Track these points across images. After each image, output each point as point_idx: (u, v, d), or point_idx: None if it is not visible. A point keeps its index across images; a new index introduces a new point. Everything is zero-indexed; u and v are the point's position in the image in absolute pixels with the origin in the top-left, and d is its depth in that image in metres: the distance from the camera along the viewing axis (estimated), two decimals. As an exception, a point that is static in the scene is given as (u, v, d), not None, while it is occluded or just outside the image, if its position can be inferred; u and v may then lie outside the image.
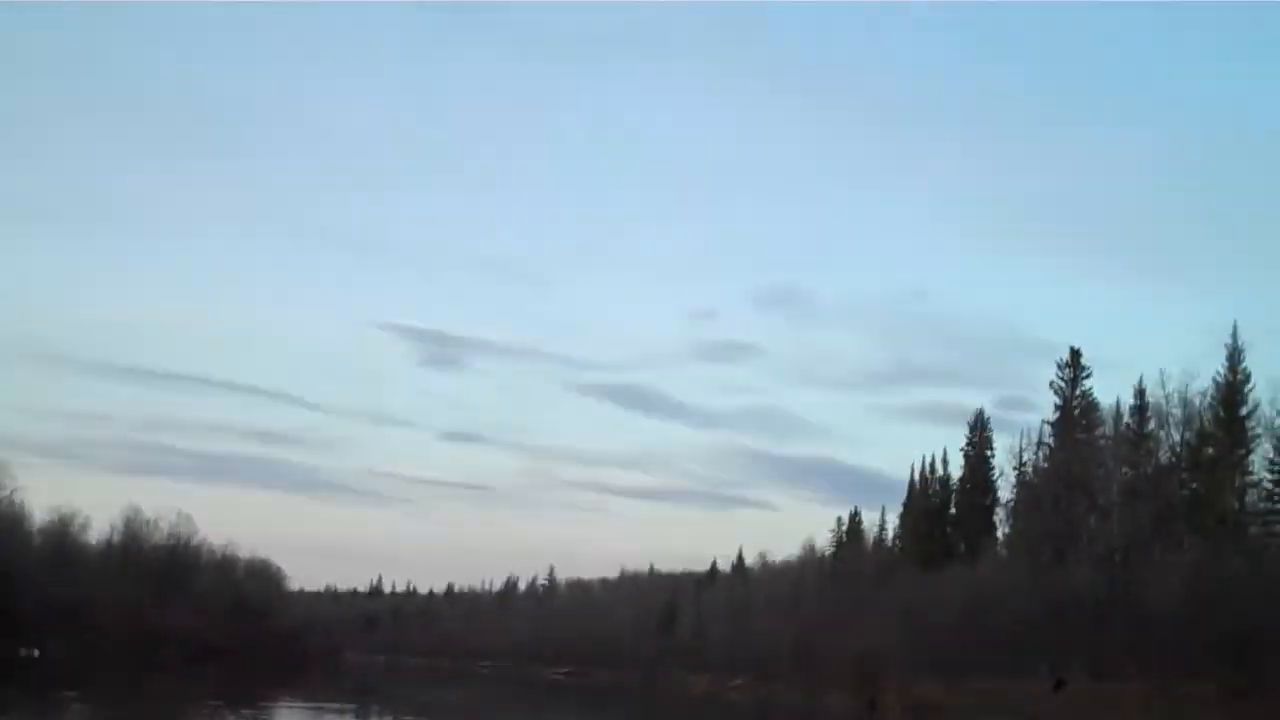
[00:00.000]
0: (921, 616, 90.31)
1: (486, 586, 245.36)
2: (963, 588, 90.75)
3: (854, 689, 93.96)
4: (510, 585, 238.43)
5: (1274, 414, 77.68)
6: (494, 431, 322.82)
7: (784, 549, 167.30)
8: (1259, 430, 79.64)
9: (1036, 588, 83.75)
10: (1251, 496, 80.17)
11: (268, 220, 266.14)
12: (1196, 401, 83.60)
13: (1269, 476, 78.81)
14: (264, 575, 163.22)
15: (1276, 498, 77.57)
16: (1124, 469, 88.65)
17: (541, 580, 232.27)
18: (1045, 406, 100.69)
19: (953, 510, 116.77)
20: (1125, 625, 75.06)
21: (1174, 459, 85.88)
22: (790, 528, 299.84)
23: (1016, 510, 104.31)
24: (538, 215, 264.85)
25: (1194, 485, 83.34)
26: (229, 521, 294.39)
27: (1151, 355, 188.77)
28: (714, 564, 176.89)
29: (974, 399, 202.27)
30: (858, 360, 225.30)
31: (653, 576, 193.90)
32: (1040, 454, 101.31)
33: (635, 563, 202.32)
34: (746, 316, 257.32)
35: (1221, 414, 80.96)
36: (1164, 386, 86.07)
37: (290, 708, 64.06)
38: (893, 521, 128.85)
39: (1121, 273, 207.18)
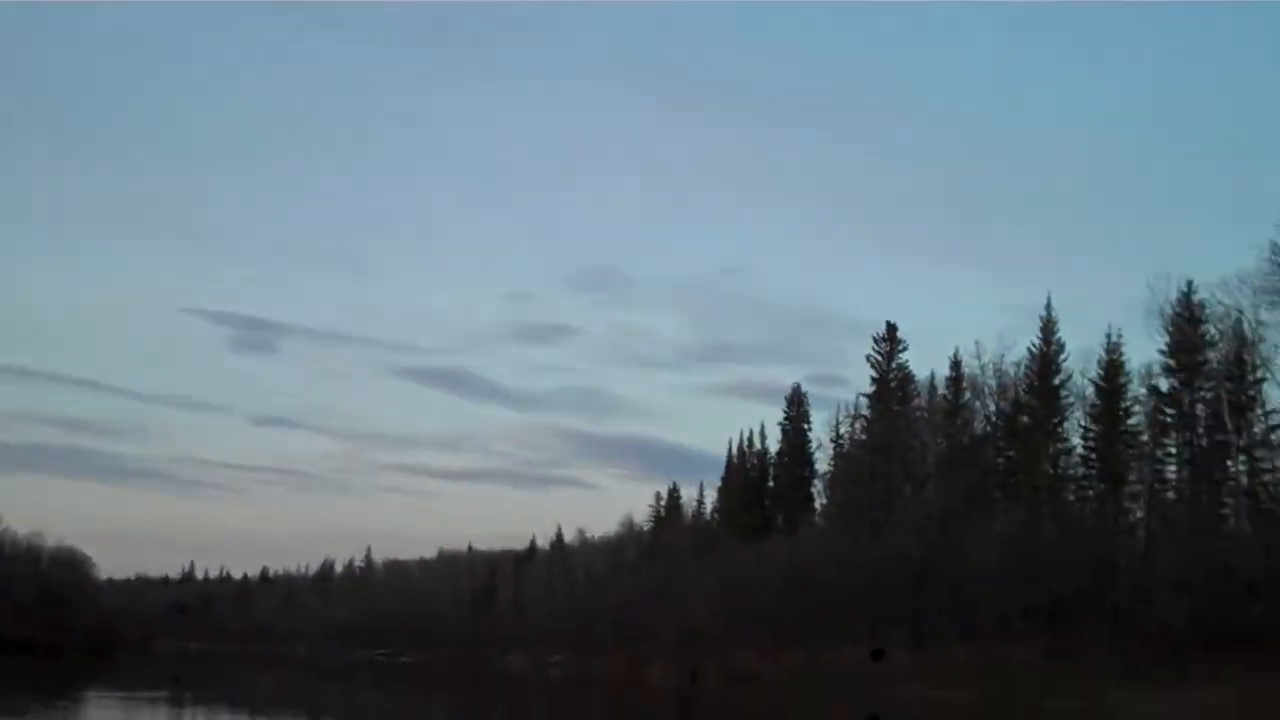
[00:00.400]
0: (742, 589, 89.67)
1: (303, 570, 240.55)
2: (782, 559, 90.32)
3: (675, 661, 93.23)
4: (326, 568, 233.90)
5: (1085, 383, 78.54)
6: (309, 416, 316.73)
7: (603, 526, 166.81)
8: (1071, 399, 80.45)
9: (855, 558, 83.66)
10: (1065, 464, 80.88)
11: (74, 205, 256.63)
12: (1011, 372, 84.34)
13: (1081, 444, 79.62)
14: (70, 564, 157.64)
15: (1090, 464, 78.30)
16: (940, 439, 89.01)
17: (358, 562, 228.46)
18: (858, 382, 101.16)
19: (771, 484, 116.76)
20: (945, 592, 75.24)
21: (989, 429, 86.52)
22: (609, 505, 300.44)
23: (834, 482, 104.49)
24: (354, 201, 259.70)
25: (1009, 454, 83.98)
26: (36, 511, 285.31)
27: (965, 334, 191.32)
28: (533, 542, 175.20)
29: (788, 376, 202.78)
30: (673, 340, 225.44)
31: (471, 556, 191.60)
32: (857, 427, 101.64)
33: (454, 543, 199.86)
34: (563, 299, 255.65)
35: (1036, 384, 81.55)
36: (979, 359, 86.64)
37: (102, 697, 61.12)
38: (711, 496, 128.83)
39: (934, 256, 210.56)
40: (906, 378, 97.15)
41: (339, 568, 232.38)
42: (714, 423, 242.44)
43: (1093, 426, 77.70)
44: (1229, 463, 67.49)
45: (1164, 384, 73.11)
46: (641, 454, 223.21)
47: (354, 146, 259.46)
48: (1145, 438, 74.75)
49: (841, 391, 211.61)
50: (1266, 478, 67.82)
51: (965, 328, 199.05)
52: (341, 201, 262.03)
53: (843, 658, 78.44)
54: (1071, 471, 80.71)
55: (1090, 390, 78.35)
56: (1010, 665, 67.41)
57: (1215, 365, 70.10)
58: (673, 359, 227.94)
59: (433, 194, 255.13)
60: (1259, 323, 65.50)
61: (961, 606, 73.65)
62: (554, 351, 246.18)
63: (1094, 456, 77.61)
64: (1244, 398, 68.12)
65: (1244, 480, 65.27)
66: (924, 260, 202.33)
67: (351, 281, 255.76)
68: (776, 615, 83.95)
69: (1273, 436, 67.87)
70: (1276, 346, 65.28)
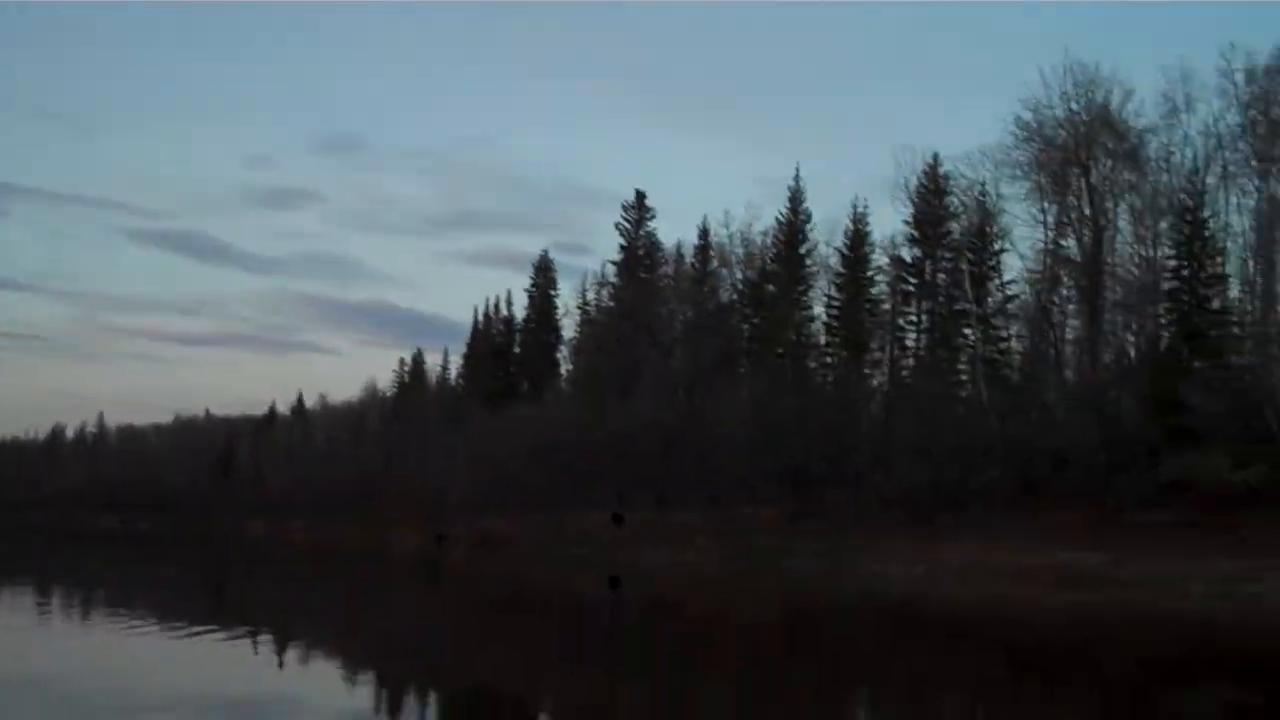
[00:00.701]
0: (489, 455, 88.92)
1: (32, 436, 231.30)
2: (529, 425, 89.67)
3: (421, 527, 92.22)
4: (57, 433, 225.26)
5: (831, 252, 79.40)
6: (38, 280, 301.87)
7: (346, 393, 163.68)
8: (816, 269, 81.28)
9: (602, 424, 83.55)
10: (809, 331, 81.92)
11: None
12: (758, 241, 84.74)
13: (825, 312, 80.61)
14: None
15: (834, 331, 79.35)
16: (687, 307, 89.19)
17: (90, 428, 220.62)
18: (603, 251, 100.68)
19: (517, 350, 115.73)
20: (690, 458, 75.56)
21: (736, 297, 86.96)
22: (352, 372, 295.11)
23: (581, 349, 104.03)
24: (81, 56, 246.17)
25: (755, 321, 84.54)
26: None
27: (718, 205, 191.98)
28: (273, 408, 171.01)
29: (536, 244, 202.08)
30: (418, 206, 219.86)
31: (209, 422, 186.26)
32: (604, 294, 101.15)
33: (192, 410, 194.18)
34: (305, 163, 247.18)
35: (782, 252, 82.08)
36: (727, 228, 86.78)
37: None
38: (456, 362, 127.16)
39: (691, 128, 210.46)
40: (654, 246, 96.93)
41: (70, 434, 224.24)
42: (460, 290, 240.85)
43: (837, 295, 78.69)
44: (967, 331, 69.03)
45: (907, 254, 74.42)
46: (385, 320, 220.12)
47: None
48: (887, 306, 76.11)
49: (590, 261, 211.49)
50: (1003, 345, 69.59)
51: (719, 199, 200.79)
52: (71, 59, 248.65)
53: (588, 522, 78.41)
54: (815, 339, 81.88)
55: (835, 260, 79.38)
56: (753, 529, 68.17)
57: (957, 236, 71.46)
58: (419, 226, 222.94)
59: (171, 56, 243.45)
60: (999, 195, 66.76)
61: (707, 472, 74.12)
62: (297, 217, 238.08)
63: (837, 324, 78.69)
64: (984, 268, 69.57)
65: (981, 348, 66.86)
66: (682, 132, 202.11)
67: (84, 142, 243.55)
68: (524, 481, 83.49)
69: (1009, 306, 69.59)
70: (1016, 219, 66.74)
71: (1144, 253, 61.75)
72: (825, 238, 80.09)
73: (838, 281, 78.93)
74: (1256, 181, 59.31)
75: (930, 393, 67.37)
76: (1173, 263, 60.09)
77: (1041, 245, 66.04)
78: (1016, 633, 32.74)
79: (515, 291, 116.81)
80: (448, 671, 21.51)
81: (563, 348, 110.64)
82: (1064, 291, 64.98)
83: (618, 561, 66.62)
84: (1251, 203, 59.91)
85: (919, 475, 63.60)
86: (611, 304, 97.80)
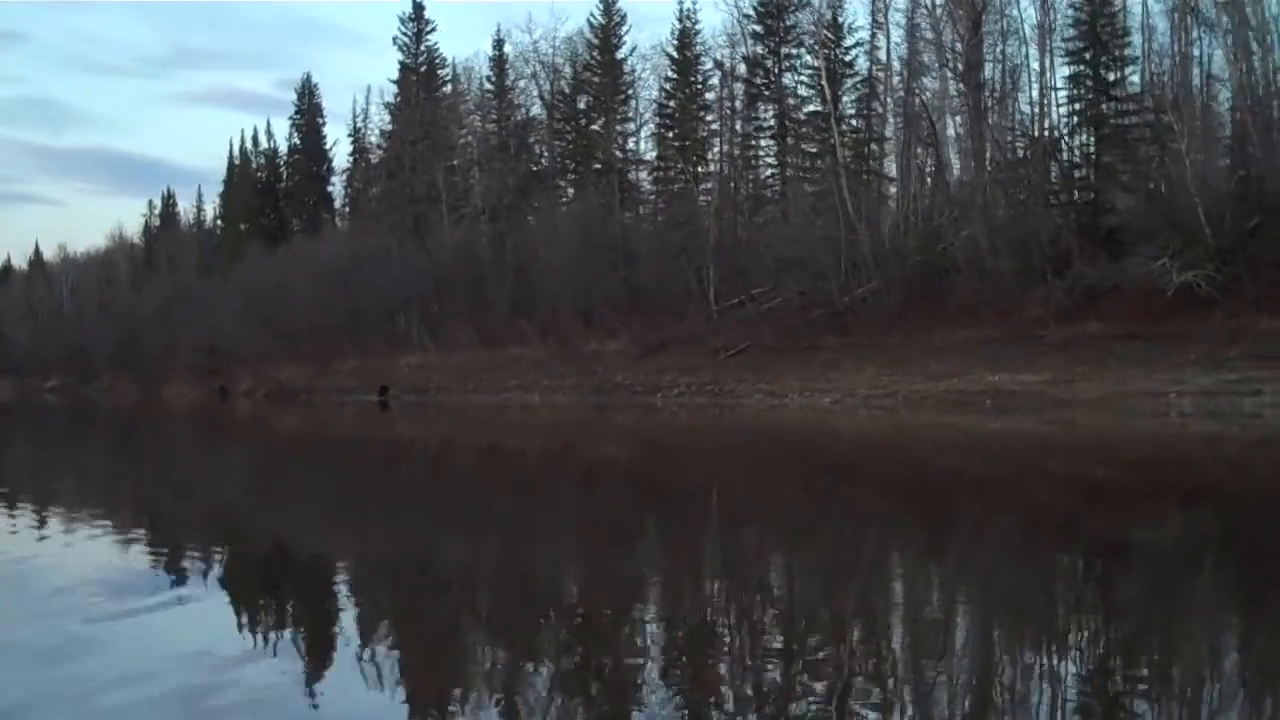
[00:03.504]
0: (274, 297, 76.30)
1: None
2: (316, 261, 77.41)
3: (199, 379, 79.92)
4: None
5: (655, 54, 69.01)
6: None
7: (83, 243, 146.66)
8: (638, 74, 70.81)
9: (402, 256, 72.45)
10: (635, 144, 71.70)
11: None
12: (567, 48, 73.51)
13: (656, 121, 70.05)
14: None
15: (667, 142, 69.00)
16: (488, 125, 77.70)
17: None
18: (335, 88, 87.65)
19: (284, 184, 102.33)
20: (515, 288, 65.26)
21: (546, 111, 75.75)
22: (82, 222, 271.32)
23: (361, 178, 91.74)
24: None
25: (570, 137, 73.70)
26: None
27: (509, 12, 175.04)
28: (7, 262, 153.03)
29: (259, 83, 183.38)
30: (134, 45, 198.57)
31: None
32: (386, 118, 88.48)
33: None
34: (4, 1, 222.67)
35: (597, 58, 71.21)
36: (530, 34, 75.50)
37: None
38: (213, 203, 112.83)
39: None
40: (437, 62, 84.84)
41: None
42: (190, 133, 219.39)
43: (667, 102, 68.29)
44: (825, 133, 59.22)
45: (753, 50, 64.20)
46: (111, 167, 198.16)
47: None
48: (727, 109, 66.06)
49: (328, 98, 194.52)
50: (867, 149, 60.53)
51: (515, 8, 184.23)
52: None
53: (399, 366, 67.69)
54: (642, 154, 71.63)
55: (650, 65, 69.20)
56: (600, 363, 58.83)
57: (809, 28, 61.61)
58: (136, 67, 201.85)
59: None
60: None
61: (534, 304, 64.10)
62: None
63: (670, 135, 68.36)
64: (840, 65, 60.12)
65: (842, 154, 57.32)
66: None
67: None
68: (319, 324, 71.72)
69: (875, 106, 60.35)
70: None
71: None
72: (647, 39, 69.60)
73: (667, 87, 68.40)
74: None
75: (795, 204, 58.15)
76: (1074, 44, 51.40)
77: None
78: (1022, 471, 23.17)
79: (247, 131, 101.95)
80: (229, 529, 15.95)
81: (335, 179, 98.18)
82: (944, 84, 55.76)
83: (440, 406, 56.59)
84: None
85: (784, 293, 54.89)
86: (396, 127, 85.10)
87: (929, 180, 56.51)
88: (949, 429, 34.21)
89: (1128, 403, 38.19)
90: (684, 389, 52.19)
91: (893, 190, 59.01)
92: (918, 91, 56.54)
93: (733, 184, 65.09)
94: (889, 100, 59.36)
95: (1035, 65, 52.69)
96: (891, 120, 59.34)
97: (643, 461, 27.54)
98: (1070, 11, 51.38)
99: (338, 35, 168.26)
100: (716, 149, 66.76)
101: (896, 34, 58.54)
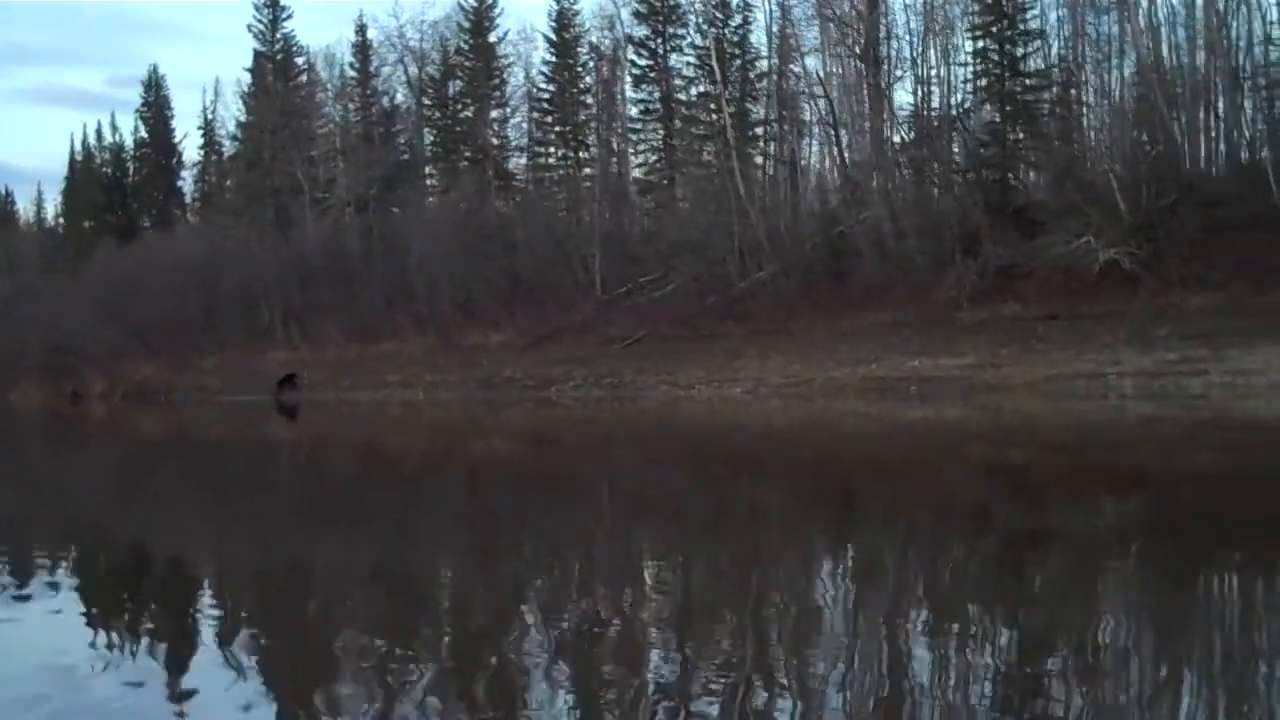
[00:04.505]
0: (124, 294, 70.84)
1: None
2: (171, 257, 72.28)
3: (49, 382, 74.18)
4: None
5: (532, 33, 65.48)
6: None
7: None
8: (512, 59, 67.11)
9: (263, 249, 67.83)
10: (509, 130, 67.89)
11: None
12: (434, 33, 69.46)
13: (534, 106, 66.32)
14: None
15: (545, 127, 65.44)
16: (352, 114, 73.34)
17: None
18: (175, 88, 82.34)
19: (132, 180, 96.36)
20: (387, 281, 61.27)
21: (414, 98, 71.58)
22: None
23: (214, 170, 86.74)
24: None
25: (442, 124, 69.69)
26: None
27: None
28: None
29: (87, 80, 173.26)
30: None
31: None
32: (241, 109, 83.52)
33: None
34: None
35: (469, 42, 67.31)
36: (396, 18, 71.35)
37: None
38: (54, 201, 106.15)
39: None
40: (294, 49, 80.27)
41: None
42: (22, 132, 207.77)
43: (546, 86, 64.69)
44: (715, 114, 56.03)
45: (637, 31, 61.02)
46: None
47: None
48: (609, 93, 62.70)
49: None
50: (759, 130, 57.71)
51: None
52: None
53: (265, 363, 63.25)
54: (518, 141, 67.82)
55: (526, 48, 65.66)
56: (479, 349, 55.33)
57: (696, 6, 58.53)
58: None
59: None
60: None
61: (408, 292, 60.25)
62: None
63: (550, 120, 64.76)
64: (728, 46, 57.17)
65: (733, 136, 54.29)
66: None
67: None
68: (177, 322, 66.82)
69: (761, 85, 57.55)
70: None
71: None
72: (518, 26, 65.95)
73: (545, 71, 64.75)
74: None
75: (685, 188, 55.18)
76: (979, 18, 49.05)
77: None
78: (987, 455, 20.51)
79: (75, 130, 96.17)
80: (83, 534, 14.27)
81: (185, 173, 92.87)
82: (842, 62, 52.90)
83: (314, 404, 52.63)
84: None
85: (677, 279, 51.96)
86: (253, 119, 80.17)
87: (827, 161, 53.91)
88: (866, 417, 31.66)
89: (1063, 385, 35.95)
90: (579, 381, 48.78)
91: (788, 172, 56.17)
92: (814, 69, 53.90)
93: (616, 168, 61.79)
94: (781, 80, 56.52)
95: (938, 41, 50.37)
96: (785, 100, 56.48)
97: (534, 458, 24.83)
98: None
99: (173, 33, 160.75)
100: (598, 133, 63.29)
101: (792, 10, 55.84)
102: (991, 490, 15.64)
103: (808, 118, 54.37)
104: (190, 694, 6.68)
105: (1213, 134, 46.16)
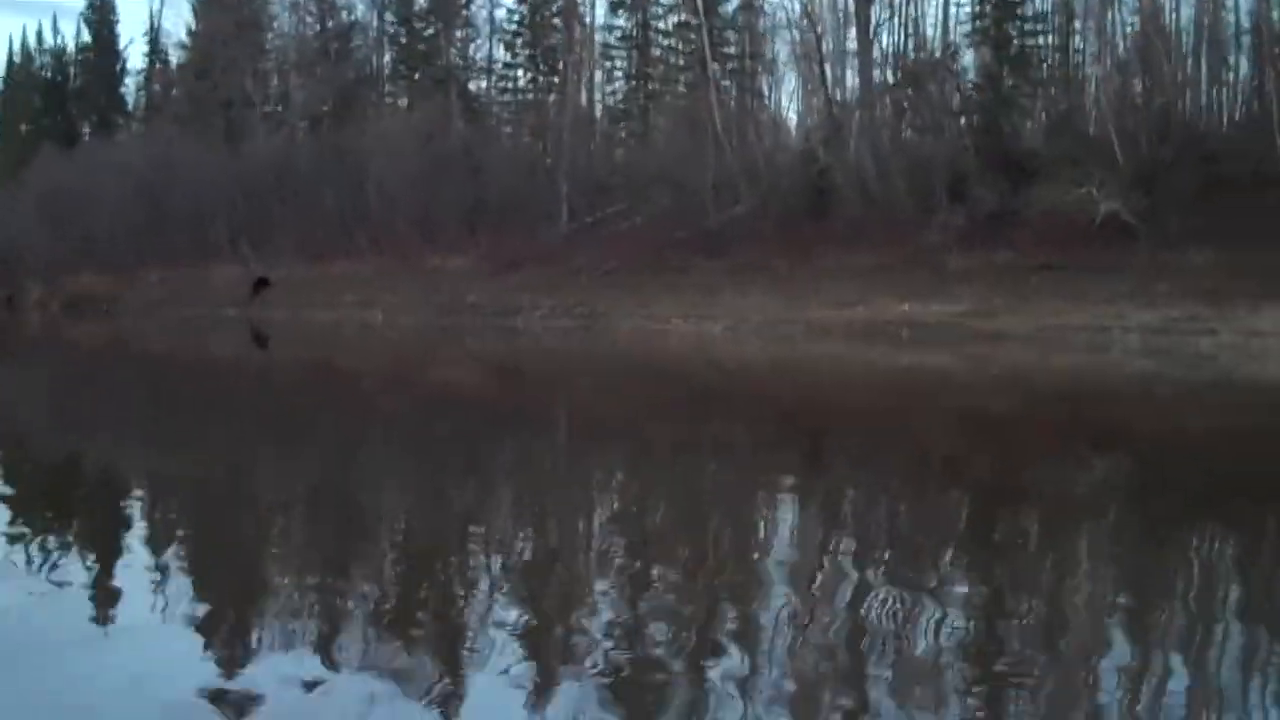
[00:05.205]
0: (66, 202, 67.35)
1: None
2: (116, 166, 68.77)
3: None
4: None
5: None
6: None
7: None
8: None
9: (213, 162, 64.61)
10: (475, 51, 65.02)
11: None
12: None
13: (505, 27, 63.49)
14: None
15: (516, 52, 62.61)
16: (308, 26, 70.05)
17: None
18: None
19: (73, 84, 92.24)
20: (344, 200, 58.60)
21: (375, 12, 68.21)
22: None
23: (162, 78, 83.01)
24: None
25: (403, 41, 66.62)
26: None
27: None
28: None
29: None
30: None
31: None
32: (191, 17, 79.59)
33: None
34: None
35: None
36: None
37: None
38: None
39: None
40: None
41: None
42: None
43: (517, 7, 61.83)
44: (693, 45, 53.45)
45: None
46: None
47: None
48: (583, 17, 60.02)
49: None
50: (738, 63, 55.36)
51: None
52: None
53: (216, 278, 60.49)
54: (486, 62, 64.96)
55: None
56: (437, 272, 53.03)
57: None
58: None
59: None
60: None
61: (364, 213, 57.67)
62: None
63: (519, 40, 61.96)
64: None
65: (713, 68, 51.91)
66: None
67: None
68: (123, 232, 63.78)
69: (740, 18, 55.16)
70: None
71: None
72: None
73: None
74: None
75: (659, 118, 52.90)
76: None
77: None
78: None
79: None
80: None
81: (128, 81, 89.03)
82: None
83: (266, 321, 50.24)
84: None
85: (648, 211, 49.85)
86: (200, 26, 76.38)
87: (813, 98, 51.78)
88: (847, 361, 30.10)
89: (1064, 337, 34.33)
90: (547, 311, 46.62)
91: (768, 107, 54.07)
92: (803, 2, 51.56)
93: (586, 96, 59.28)
94: (769, 11, 54.31)
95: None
96: (768, 34, 54.29)
97: (495, 387, 23.58)
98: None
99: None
100: (566, 59, 60.59)
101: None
102: (970, 441, 14.84)
103: (791, 53, 52.09)
104: (117, 626, 6.23)
105: (1215, 88, 44.57)
